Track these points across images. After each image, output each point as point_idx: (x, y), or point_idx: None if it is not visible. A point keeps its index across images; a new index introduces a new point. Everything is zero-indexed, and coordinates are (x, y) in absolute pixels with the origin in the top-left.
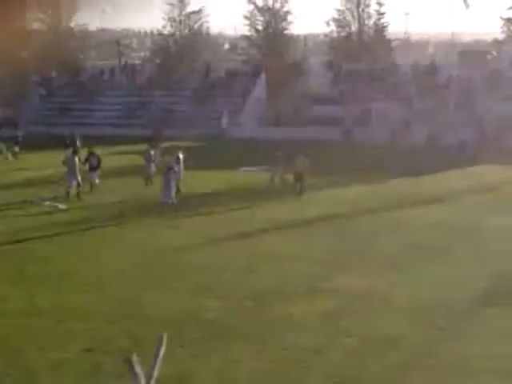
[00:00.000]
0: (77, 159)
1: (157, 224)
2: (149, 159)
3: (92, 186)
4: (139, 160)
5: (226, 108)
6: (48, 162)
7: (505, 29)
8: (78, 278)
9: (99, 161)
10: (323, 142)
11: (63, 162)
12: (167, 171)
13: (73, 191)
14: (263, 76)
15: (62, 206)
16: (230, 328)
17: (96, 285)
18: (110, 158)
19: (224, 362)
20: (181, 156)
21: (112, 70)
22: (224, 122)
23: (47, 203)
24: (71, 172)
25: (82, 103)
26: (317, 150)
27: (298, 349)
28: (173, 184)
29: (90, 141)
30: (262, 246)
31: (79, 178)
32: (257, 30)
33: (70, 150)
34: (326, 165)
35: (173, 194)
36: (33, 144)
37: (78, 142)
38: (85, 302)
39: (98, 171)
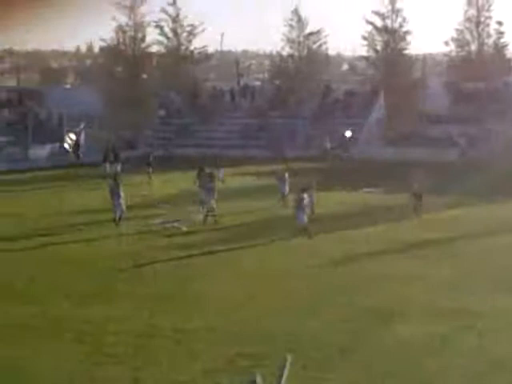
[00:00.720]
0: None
1: (280, 245)
2: (283, 179)
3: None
4: (263, 180)
5: (345, 128)
6: (169, 183)
7: None
8: (197, 297)
9: (212, 178)
10: (440, 162)
11: (197, 183)
12: (300, 192)
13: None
14: (382, 96)
15: (184, 228)
16: (351, 350)
17: (217, 305)
18: (231, 178)
19: None
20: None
21: (231, 92)
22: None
23: (173, 224)
24: (207, 193)
25: (202, 125)
26: (434, 170)
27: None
28: (306, 205)
29: (210, 162)
30: (382, 267)
31: (213, 201)
32: (375, 51)
33: (208, 172)
34: (444, 185)
35: (305, 216)
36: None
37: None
38: (205, 323)
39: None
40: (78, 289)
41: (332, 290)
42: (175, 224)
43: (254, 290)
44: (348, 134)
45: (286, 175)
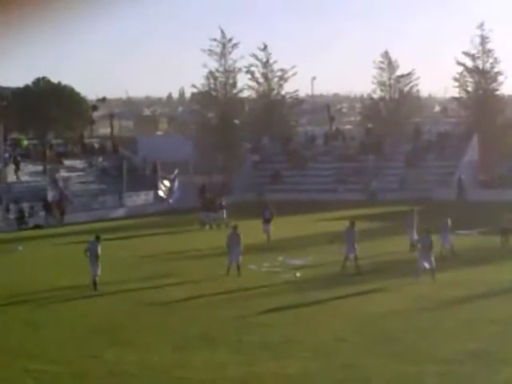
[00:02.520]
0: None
1: (381, 287)
2: (411, 224)
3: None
4: (357, 225)
5: (438, 171)
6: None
7: None
8: (298, 344)
9: (271, 214)
10: None
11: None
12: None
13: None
14: (475, 138)
15: (297, 274)
16: None
17: (317, 352)
18: (325, 223)
19: None
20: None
21: (324, 136)
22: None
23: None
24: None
25: (295, 169)
26: None
27: None
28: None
29: (303, 207)
30: (483, 309)
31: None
32: (467, 92)
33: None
34: None
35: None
36: (245, 210)
37: None
38: (305, 369)
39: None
40: (180, 334)
41: (434, 333)
42: (294, 273)
43: (349, 332)
44: (462, 177)
45: (415, 219)
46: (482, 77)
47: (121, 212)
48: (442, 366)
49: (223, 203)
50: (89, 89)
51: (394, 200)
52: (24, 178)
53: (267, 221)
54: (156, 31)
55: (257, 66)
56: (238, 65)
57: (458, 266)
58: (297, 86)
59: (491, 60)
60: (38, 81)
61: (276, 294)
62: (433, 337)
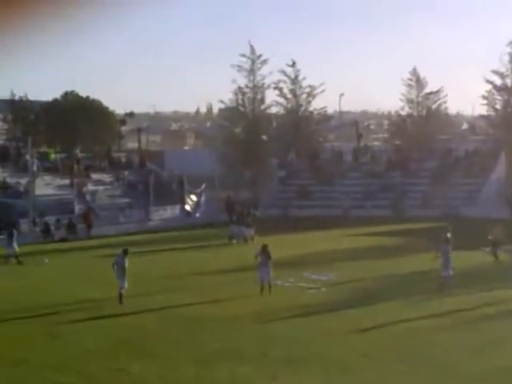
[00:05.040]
0: None
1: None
2: (446, 240)
3: None
4: (384, 241)
5: (464, 188)
6: (290, 244)
7: None
8: (322, 359)
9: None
10: None
11: None
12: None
13: None
14: (503, 156)
15: (323, 289)
16: None
17: (341, 367)
18: (352, 239)
19: None
20: (449, 235)
21: (351, 152)
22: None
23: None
24: None
25: (322, 185)
26: None
27: None
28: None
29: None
30: (509, 326)
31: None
32: (495, 110)
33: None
34: None
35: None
36: (272, 226)
37: None
38: None
39: None
40: (204, 348)
41: (458, 350)
42: (320, 288)
43: (373, 348)
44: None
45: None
46: (510, 95)
47: (147, 226)
48: (469, 382)
49: (251, 218)
50: (117, 103)
51: (421, 216)
52: (51, 192)
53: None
54: (185, 47)
55: (285, 83)
56: (267, 81)
57: (485, 283)
58: (325, 102)
59: None
60: (66, 94)
61: (301, 308)
62: (458, 353)
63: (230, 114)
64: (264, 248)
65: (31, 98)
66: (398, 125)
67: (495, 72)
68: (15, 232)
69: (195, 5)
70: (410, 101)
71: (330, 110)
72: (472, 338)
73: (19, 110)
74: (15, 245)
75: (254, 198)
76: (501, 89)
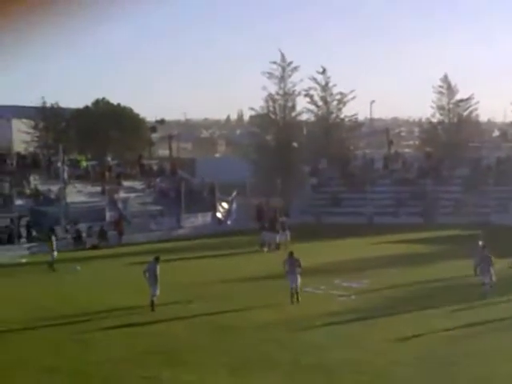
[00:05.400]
0: None
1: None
2: (483, 247)
3: None
4: (416, 248)
5: (496, 195)
6: (322, 251)
7: None
8: (353, 367)
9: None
10: None
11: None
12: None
13: None
14: None
15: (353, 297)
16: None
17: (372, 375)
18: (383, 246)
19: None
20: (480, 243)
21: (383, 159)
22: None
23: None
24: None
25: (353, 193)
26: None
27: None
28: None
29: (361, 230)
30: None
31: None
32: None
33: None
34: None
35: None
36: (304, 233)
37: None
38: None
39: None
40: (236, 356)
41: (492, 358)
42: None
43: (405, 356)
44: None
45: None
46: None
47: (178, 233)
48: None
49: (285, 224)
50: (148, 110)
51: (452, 224)
52: (83, 199)
53: None
54: (215, 54)
55: (316, 90)
56: (297, 88)
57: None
58: (355, 109)
59: None
60: (97, 102)
61: (332, 316)
62: (495, 362)
63: (261, 121)
64: (290, 255)
65: (62, 105)
66: (429, 132)
67: None
68: (54, 238)
69: (225, 14)
70: (440, 108)
71: (360, 117)
72: (510, 346)
73: (50, 117)
74: (55, 252)
75: (285, 205)
76: None
